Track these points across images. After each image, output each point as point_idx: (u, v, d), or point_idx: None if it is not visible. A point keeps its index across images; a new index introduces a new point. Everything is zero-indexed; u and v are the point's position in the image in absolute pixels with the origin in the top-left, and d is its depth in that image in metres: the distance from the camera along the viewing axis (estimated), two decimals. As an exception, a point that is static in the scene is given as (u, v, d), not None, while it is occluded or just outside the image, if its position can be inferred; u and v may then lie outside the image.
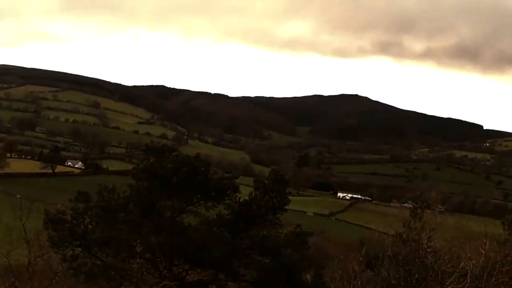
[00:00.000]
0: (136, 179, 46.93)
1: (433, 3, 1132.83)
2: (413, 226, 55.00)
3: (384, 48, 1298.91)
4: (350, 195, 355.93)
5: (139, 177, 46.59)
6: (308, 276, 51.92)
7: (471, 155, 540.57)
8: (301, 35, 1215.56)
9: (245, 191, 50.45)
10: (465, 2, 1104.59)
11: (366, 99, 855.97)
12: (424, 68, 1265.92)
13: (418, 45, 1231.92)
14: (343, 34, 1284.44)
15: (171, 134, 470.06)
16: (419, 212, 57.29)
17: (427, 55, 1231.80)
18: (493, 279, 50.68)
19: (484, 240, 53.75)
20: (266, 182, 49.90)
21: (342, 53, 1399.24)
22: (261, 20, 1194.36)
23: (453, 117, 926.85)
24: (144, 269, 49.18)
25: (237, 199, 48.37)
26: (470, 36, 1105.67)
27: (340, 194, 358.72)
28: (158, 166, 44.82)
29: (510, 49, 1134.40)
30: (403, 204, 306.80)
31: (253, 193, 49.69)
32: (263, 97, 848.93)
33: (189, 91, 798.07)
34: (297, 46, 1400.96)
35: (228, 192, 48.32)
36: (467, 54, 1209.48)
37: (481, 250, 52.62)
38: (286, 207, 50.37)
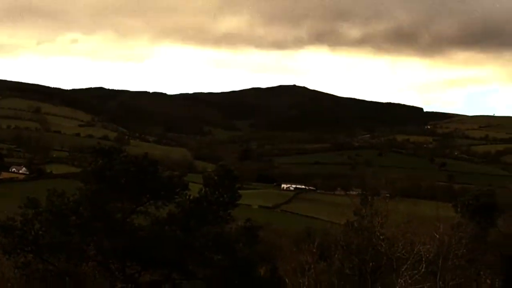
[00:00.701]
0: (85, 182, 46.15)
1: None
2: (364, 214, 54.93)
3: (321, 37, 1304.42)
4: (294, 186, 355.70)
5: (88, 180, 45.83)
6: (262, 271, 51.47)
7: (413, 138, 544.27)
8: (237, 30, 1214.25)
9: (192, 189, 49.77)
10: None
11: (304, 89, 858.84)
12: (361, 54, 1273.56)
13: (355, 32, 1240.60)
14: (279, 25, 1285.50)
15: (112, 135, 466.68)
16: (369, 199, 57.29)
17: (364, 41, 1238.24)
18: (449, 262, 50.90)
19: (438, 224, 53.94)
20: (216, 178, 49.42)
21: (278, 44, 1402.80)
22: (196, 17, 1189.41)
23: (392, 101, 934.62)
24: (96, 272, 48.46)
25: (187, 197, 47.80)
26: (407, 20, 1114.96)
27: (284, 186, 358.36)
28: (106, 168, 44.09)
29: (447, 30, 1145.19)
30: (348, 192, 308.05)
31: (203, 189, 49.17)
32: (201, 93, 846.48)
33: (128, 91, 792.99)
34: (234, 41, 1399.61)
35: (178, 190, 47.73)
36: (404, 38, 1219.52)
37: (435, 234, 52.77)
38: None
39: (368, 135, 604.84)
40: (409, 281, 47.79)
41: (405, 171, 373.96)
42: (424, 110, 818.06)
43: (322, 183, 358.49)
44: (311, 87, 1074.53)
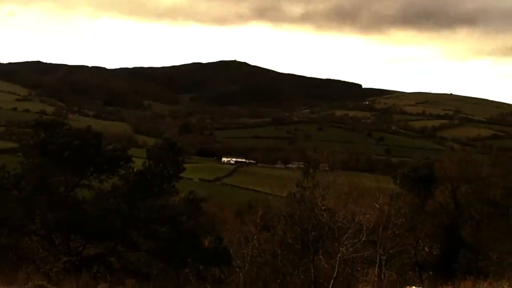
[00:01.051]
0: (27, 156, 45.88)
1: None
2: (306, 185, 55.80)
3: (263, 13, 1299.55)
4: (234, 159, 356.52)
5: (29, 153, 45.55)
6: (206, 242, 51.89)
7: (351, 114, 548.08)
8: (178, 4, 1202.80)
9: (135, 163, 49.83)
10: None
11: (244, 64, 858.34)
12: (303, 31, 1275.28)
13: (297, 9, 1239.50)
14: (221, 1, 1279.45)
15: (50, 109, 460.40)
16: (311, 171, 58.14)
17: (306, 18, 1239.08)
18: (389, 231, 52.11)
19: (378, 195, 55.13)
20: (159, 151, 49.56)
21: (220, 20, 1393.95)
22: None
23: (332, 77, 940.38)
24: (39, 247, 48.31)
25: (131, 170, 47.87)
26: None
27: (225, 159, 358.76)
28: (48, 141, 43.87)
29: (386, 9, 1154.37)
30: (287, 165, 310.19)
31: (147, 162, 49.26)
32: (142, 67, 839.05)
33: (66, 65, 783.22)
34: (175, 16, 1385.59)
35: (121, 163, 47.77)
36: (345, 17, 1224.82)
37: (375, 204, 53.94)
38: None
39: (308, 110, 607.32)
40: (350, 250, 48.86)
41: (344, 145, 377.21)
42: (363, 86, 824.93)
43: (262, 156, 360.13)
44: (252, 62, 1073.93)
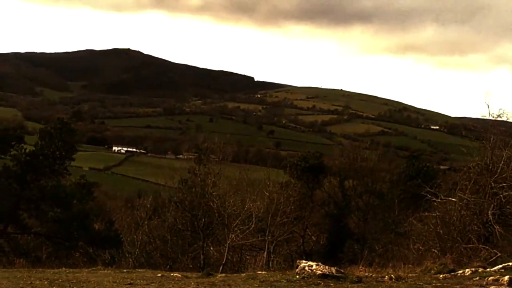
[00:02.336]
0: None
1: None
2: (197, 172, 56.50)
3: (161, 2, 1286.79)
4: (125, 148, 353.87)
5: None
6: (97, 226, 52.05)
7: (243, 106, 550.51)
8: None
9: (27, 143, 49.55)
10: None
11: (138, 53, 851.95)
12: (200, 21, 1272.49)
13: None
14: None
15: None
16: (203, 158, 58.85)
17: (204, 9, 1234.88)
18: (278, 219, 53.29)
19: (268, 183, 56.28)
20: (52, 131, 49.35)
21: (117, 7, 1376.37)
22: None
23: (225, 69, 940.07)
24: None
25: (23, 150, 47.57)
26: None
27: (115, 148, 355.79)
28: None
29: (282, 4, 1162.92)
30: (178, 156, 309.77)
31: (39, 143, 49.01)
32: (33, 52, 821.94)
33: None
34: (71, 1, 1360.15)
35: (13, 143, 47.44)
36: (243, 9, 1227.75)
37: (265, 192, 55.07)
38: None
39: (200, 101, 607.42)
40: (240, 236, 49.77)
41: (234, 137, 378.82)
42: (255, 79, 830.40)
43: (153, 146, 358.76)
44: (146, 51, 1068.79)
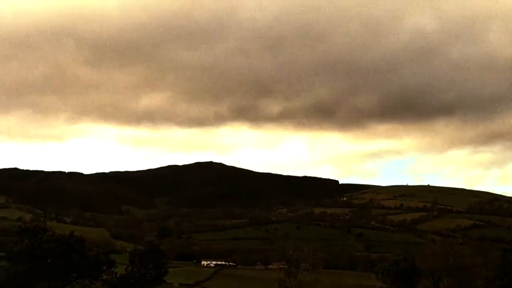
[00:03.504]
0: (12, 262, 45.99)
1: (290, 65, 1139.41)
2: (289, 285, 55.94)
3: (241, 113, 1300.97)
4: (214, 262, 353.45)
5: (14, 260, 45.70)
6: None
7: (330, 210, 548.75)
8: (158, 107, 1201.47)
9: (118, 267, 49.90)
10: (320, 61, 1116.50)
11: (220, 165, 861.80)
12: (281, 129, 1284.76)
13: (275, 107, 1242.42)
14: (200, 102, 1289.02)
15: (27, 216, 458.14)
16: (293, 270, 58.36)
17: (284, 116, 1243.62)
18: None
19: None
20: (142, 253, 49.78)
21: (199, 121, 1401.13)
22: (116, 95, 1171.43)
23: (308, 175, 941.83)
24: None
25: (114, 274, 48.00)
26: (326, 95, 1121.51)
27: (204, 262, 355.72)
28: (33, 247, 44.13)
29: (363, 104, 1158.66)
30: (267, 266, 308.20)
31: (130, 266, 49.40)
32: (118, 171, 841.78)
33: (43, 171, 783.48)
34: (154, 118, 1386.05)
35: (105, 268, 47.94)
36: (324, 113, 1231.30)
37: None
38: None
39: (286, 209, 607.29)
40: None
41: (323, 243, 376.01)
42: (340, 182, 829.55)
43: (241, 258, 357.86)
44: (228, 163, 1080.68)
